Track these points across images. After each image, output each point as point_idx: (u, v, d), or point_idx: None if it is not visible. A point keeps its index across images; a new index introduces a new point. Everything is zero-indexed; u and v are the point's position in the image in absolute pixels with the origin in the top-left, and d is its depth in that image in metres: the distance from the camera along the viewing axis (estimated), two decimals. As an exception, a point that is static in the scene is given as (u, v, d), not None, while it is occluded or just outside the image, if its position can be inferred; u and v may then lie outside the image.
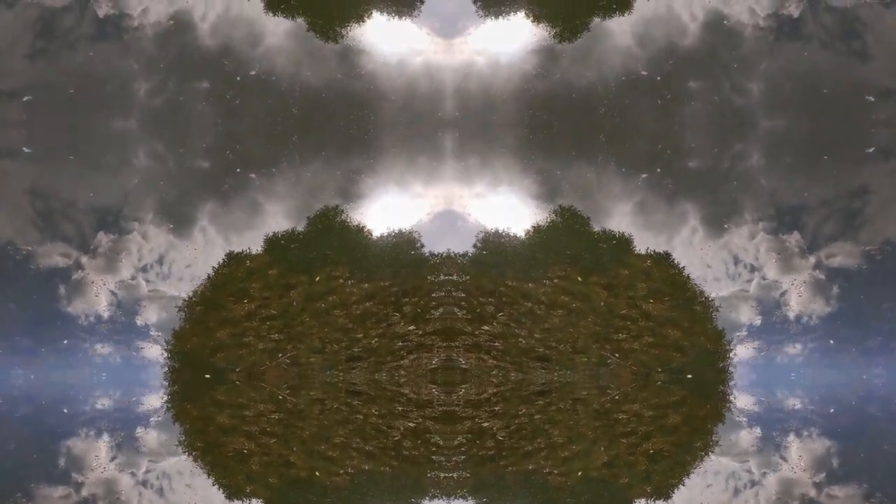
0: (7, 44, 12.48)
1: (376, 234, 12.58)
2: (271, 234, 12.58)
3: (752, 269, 12.63)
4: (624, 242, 12.55)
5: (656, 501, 12.20)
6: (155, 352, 12.47)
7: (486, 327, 12.32)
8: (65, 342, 12.45)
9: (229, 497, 12.19)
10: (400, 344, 12.30)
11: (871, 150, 12.55)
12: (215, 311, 12.36)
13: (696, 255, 12.60)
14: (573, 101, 12.67)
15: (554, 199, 12.69)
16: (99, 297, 12.51)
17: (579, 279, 12.37)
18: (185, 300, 12.42)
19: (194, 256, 12.58)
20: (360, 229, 12.58)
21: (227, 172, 12.68)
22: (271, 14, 12.65)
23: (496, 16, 12.68)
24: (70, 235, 12.56)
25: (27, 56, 12.50)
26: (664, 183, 12.68)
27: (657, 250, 12.56)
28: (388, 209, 12.66)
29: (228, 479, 12.21)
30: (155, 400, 12.45)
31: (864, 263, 12.56)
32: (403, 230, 12.59)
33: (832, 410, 12.53)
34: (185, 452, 12.28)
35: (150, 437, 12.43)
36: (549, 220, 12.63)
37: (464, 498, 12.14)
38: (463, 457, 12.20)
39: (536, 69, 12.68)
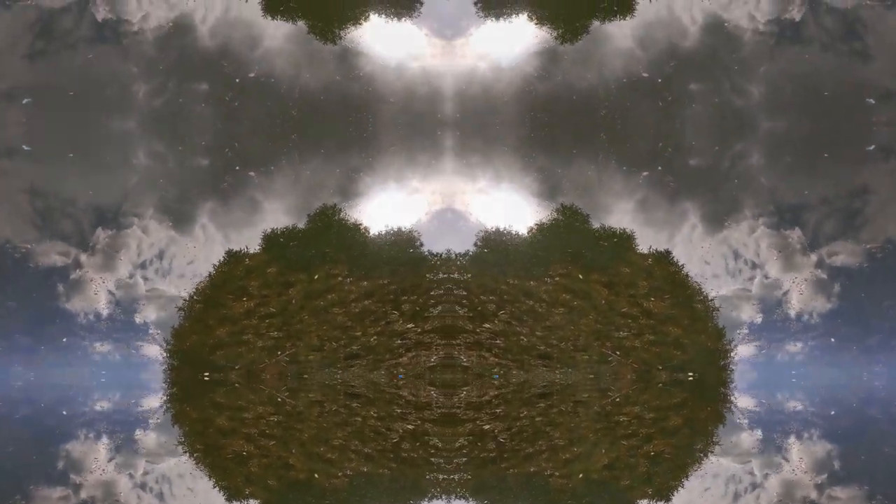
0: (7, 44, 12.51)
1: (375, 232, 12.57)
2: (270, 231, 12.57)
3: (754, 265, 12.63)
4: (625, 240, 12.54)
5: (657, 503, 12.17)
6: (154, 350, 12.45)
7: (487, 325, 12.31)
8: (64, 340, 12.44)
9: (228, 499, 12.15)
10: (399, 342, 12.30)
11: (872, 147, 12.57)
12: (214, 308, 12.35)
13: (696, 252, 12.60)
14: (574, 104, 12.68)
15: (555, 197, 12.68)
16: (98, 295, 12.50)
17: (580, 277, 12.36)
18: (184, 299, 12.41)
19: (194, 254, 12.58)
20: (358, 227, 12.58)
21: (226, 170, 12.68)
22: (270, 17, 12.68)
23: (497, 17, 12.70)
24: (69, 233, 12.55)
25: (26, 56, 12.52)
26: (665, 181, 12.68)
27: (658, 248, 12.56)
28: (387, 207, 12.66)
29: (227, 481, 12.18)
30: (154, 401, 12.43)
31: (865, 261, 12.57)
32: (403, 228, 12.59)
33: (833, 413, 12.52)
34: (185, 453, 12.25)
35: (148, 438, 12.40)
36: (550, 218, 12.62)
37: (465, 498, 12.11)
38: (464, 459, 12.18)
39: (538, 71, 12.70)
